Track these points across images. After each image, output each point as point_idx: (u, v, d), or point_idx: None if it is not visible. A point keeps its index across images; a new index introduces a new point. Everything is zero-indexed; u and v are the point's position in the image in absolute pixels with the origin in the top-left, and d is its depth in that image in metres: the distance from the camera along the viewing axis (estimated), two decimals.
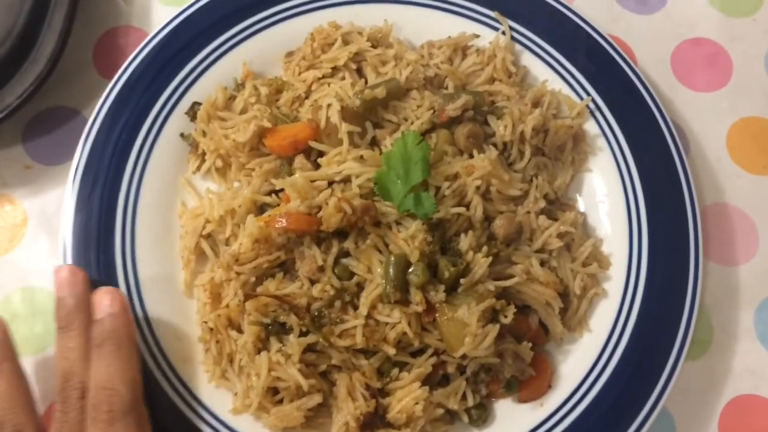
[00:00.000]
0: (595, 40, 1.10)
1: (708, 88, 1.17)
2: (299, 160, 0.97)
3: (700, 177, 1.11)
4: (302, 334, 0.90)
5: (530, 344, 0.94)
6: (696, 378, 1.02)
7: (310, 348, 0.90)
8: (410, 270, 0.89)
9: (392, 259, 0.89)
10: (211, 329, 0.93)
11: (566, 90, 1.08)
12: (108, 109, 1.01)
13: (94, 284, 0.90)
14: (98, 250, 0.96)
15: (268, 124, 0.99)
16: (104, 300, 0.87)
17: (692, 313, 0.97)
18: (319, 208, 0.91)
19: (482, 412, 0.94)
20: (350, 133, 0.97)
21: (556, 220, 1.00)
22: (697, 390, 1.01)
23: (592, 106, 1.07)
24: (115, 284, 0.94)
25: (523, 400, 0.95)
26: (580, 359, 0.97)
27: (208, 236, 0.99)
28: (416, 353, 0.92)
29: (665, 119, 1.06)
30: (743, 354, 1.03)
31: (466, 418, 0.93)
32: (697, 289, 0.98)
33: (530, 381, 0.95)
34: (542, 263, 0.97)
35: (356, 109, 0.99)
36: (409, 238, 0.90)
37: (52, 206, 1.04)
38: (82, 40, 1.12)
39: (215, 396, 0.93)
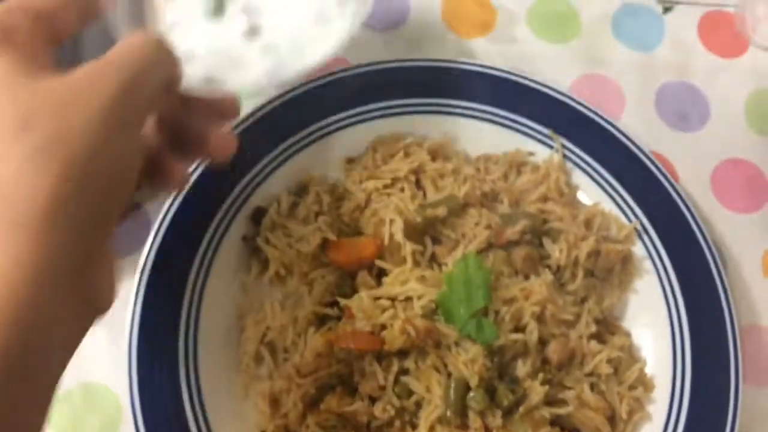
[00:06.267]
0: (641, 160, 1.15)
1: (745, 210, 1.21)
2: (362, 276, 1.01)
3: (735, 298, 1.15)
4: None
5: None
6: None
7: None
8: (470, 395, 0.92)
9: (453, 383, 0.92)
10: None
11: (614, 210, 1.12)
12: (175, 211, 1.04)
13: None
14: (162, 353, 0.98)
15: (333, 237, 1.02)
16: None
17: None
18: (382, 326, 0.94)
19: None
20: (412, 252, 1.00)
21: (604, 342, 1.03)
22: None
23: (639, 228, 1.11)
24: (178, 388, 0.97)
25: None
26: None
27: (268, 342, 1.02)
28: None
29: (707, 242, 1.10)
30: None
31: None
32: (737, 412, 1.02)
33: None
34: (591, 387, 1.00)
35: (417, 226, 1.02)
36: (469, 362, 0.93)
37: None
38: None
39: None
